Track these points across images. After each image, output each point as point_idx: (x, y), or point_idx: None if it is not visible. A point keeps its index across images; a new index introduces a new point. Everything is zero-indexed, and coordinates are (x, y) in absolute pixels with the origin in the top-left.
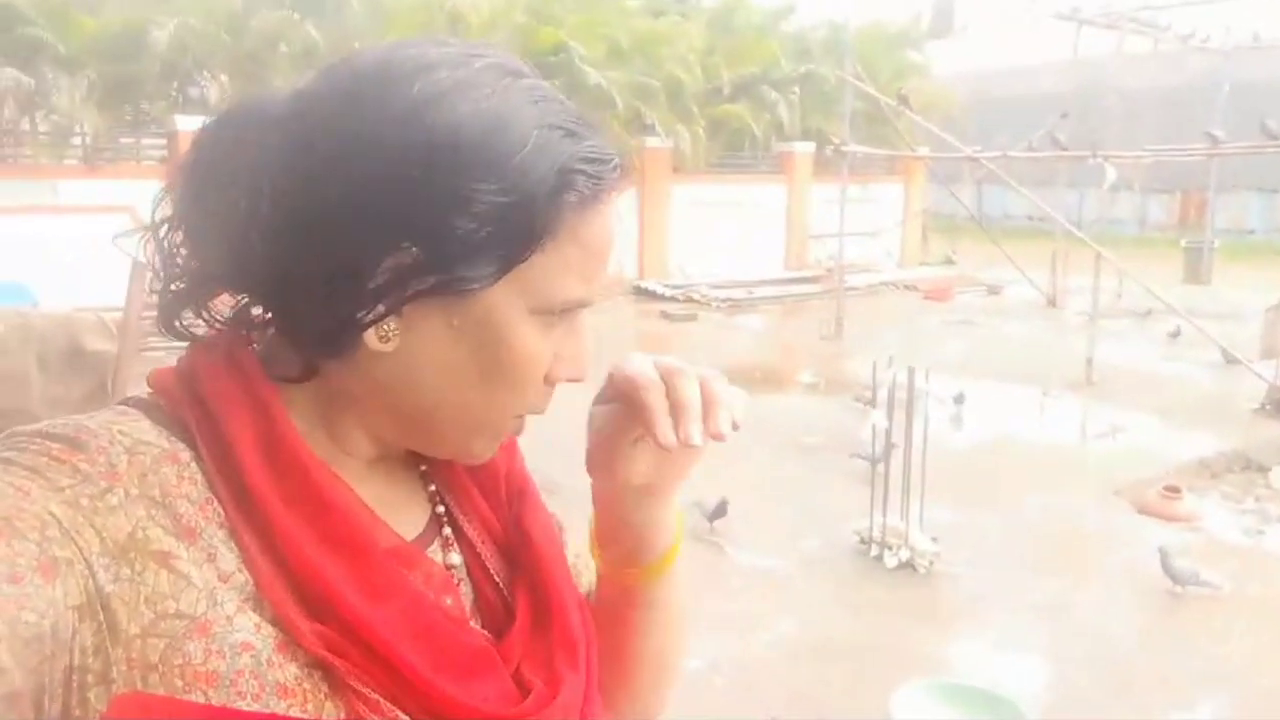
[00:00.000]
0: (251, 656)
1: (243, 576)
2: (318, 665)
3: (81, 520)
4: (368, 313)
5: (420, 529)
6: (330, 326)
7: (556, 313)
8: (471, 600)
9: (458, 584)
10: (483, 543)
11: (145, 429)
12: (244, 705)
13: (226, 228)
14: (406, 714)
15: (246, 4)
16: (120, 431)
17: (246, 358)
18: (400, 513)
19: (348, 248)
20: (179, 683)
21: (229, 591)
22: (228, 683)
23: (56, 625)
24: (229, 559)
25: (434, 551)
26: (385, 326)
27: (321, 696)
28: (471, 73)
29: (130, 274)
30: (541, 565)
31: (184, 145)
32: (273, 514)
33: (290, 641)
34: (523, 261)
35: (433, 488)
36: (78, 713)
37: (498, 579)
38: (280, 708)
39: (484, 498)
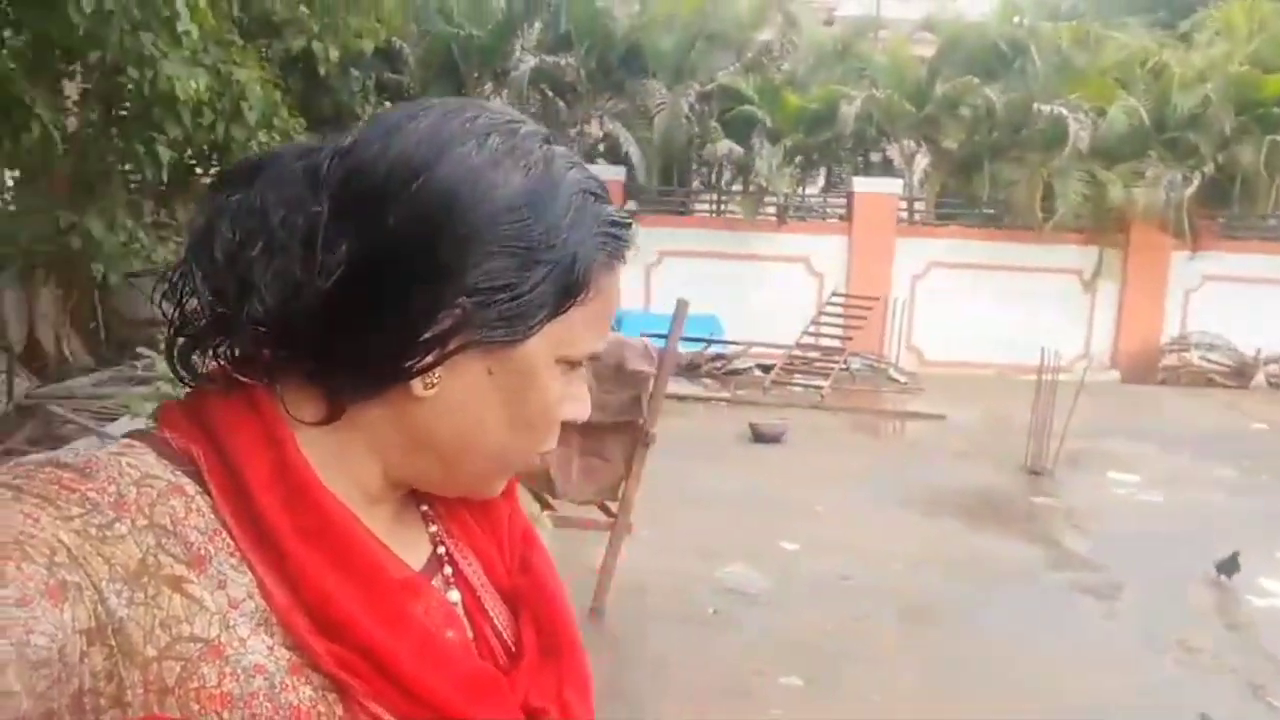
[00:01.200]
0: (265, 679)
1: (253, 603)
2: (331, 688)
3: (90, 549)
4: (416, 362)
5: (422, 565)
6: (378, 374)
7: (575, 362)
8: (470, 639)
9: (460, 619)
10: (482, 585)
11: (151, 463)
12: None
13: (274, 276)
14: None
15: (930, 72)
16: (129, 464)
17: (263, 396)
18: (405, 549)
19: (407, 304)
20: (195, 706)
21: (241, 617)
22: (242, 705)
23: (65, 649)
24: (239, 586)
25: (436, 585)
26: (432, 375)
27: (335, 718)
28: (520, 139)
29: (674, 312)
30: (550, 602)
31: (861, 206)
32: (286, 545)
33: (304, 664)
34: (561, 316)
35: (434, 529)
36: None
37: (496, 620)
38: None
39: (488, 540)
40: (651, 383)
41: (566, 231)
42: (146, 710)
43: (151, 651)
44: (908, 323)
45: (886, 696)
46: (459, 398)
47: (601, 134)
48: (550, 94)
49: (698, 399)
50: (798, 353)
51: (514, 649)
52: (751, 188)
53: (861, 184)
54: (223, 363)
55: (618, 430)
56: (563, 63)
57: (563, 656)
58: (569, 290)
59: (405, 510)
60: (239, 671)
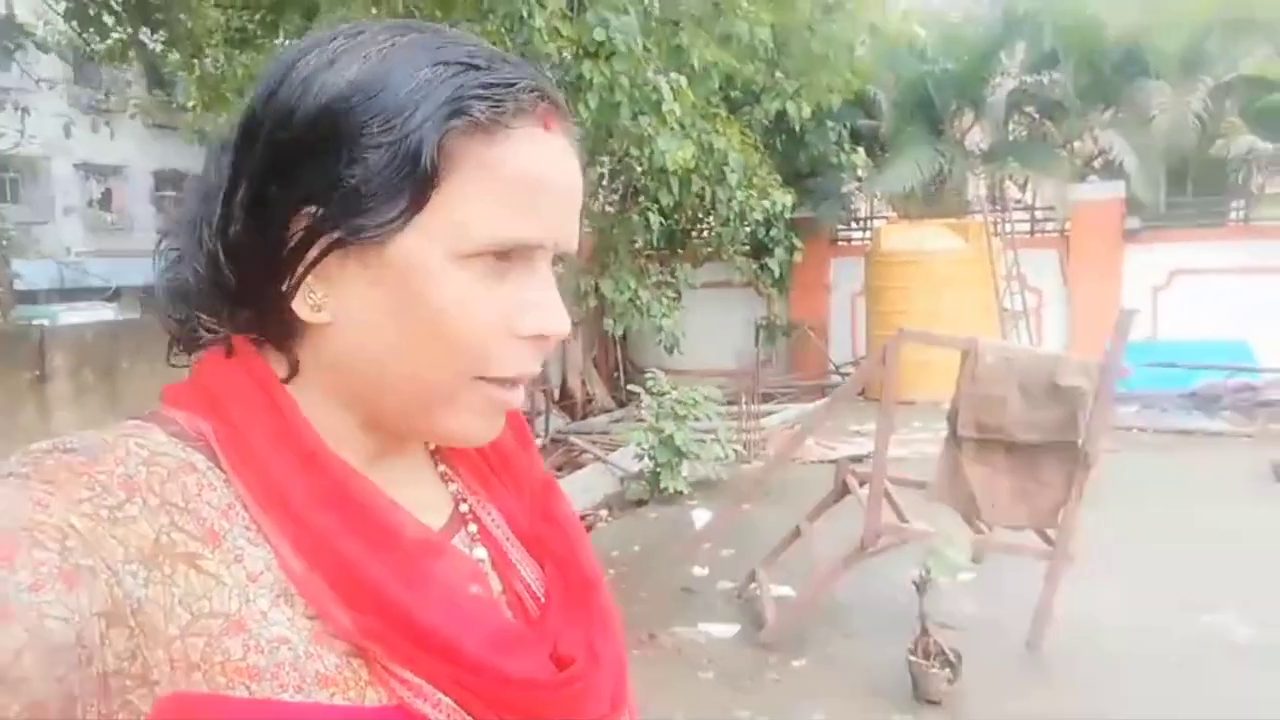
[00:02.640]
0: (289, 649)
1: (272, 575)
2: (355, 654)
3: (101, 531)
4: (289, 281)
5: (443, 524)
6: (271, 305)
7: (490, 256)
8: (498, 593)
9: (485, 575)
10: (507, 538)
11: (160, 440)
12: (287, 697)
13: (199, 230)
14: (449, 697)
15: None
16: (136, 444)
17: (258, 363)
18: (423, 510)
19: (261, 219)
20: (222, 679)
21: (260, 590)
22: (269, 676)
23: (83, 632)
24: (256, 559)
25: (459, 543)
26: (313, 294)
27: (363, 684)
28: (366, 38)
29: (1117, 323)
30: (573, 550)
31: None
32: (302, 512)
33: (326, 633)
34: (422, 204)
35: (453, 487)
36: (121, 716)
37: (524, 572)
38: (323, 697)
39: (510, 493)
40: (1091, 400)
41: (409, 110)
42: (174, 688)
43: (174, 630)
44: None
45: None
46: (356, 317)
47: (1096, 149)
48: (1036, 114)
49: (1208, 434)
50: None
51: (542, 600)
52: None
53: None
54: (210, 331)
55: (1054, 451)
56: (1047, 80)
57: (589, 603)
58: (420, 174)
59: (420, 470)
60: (263, 644)
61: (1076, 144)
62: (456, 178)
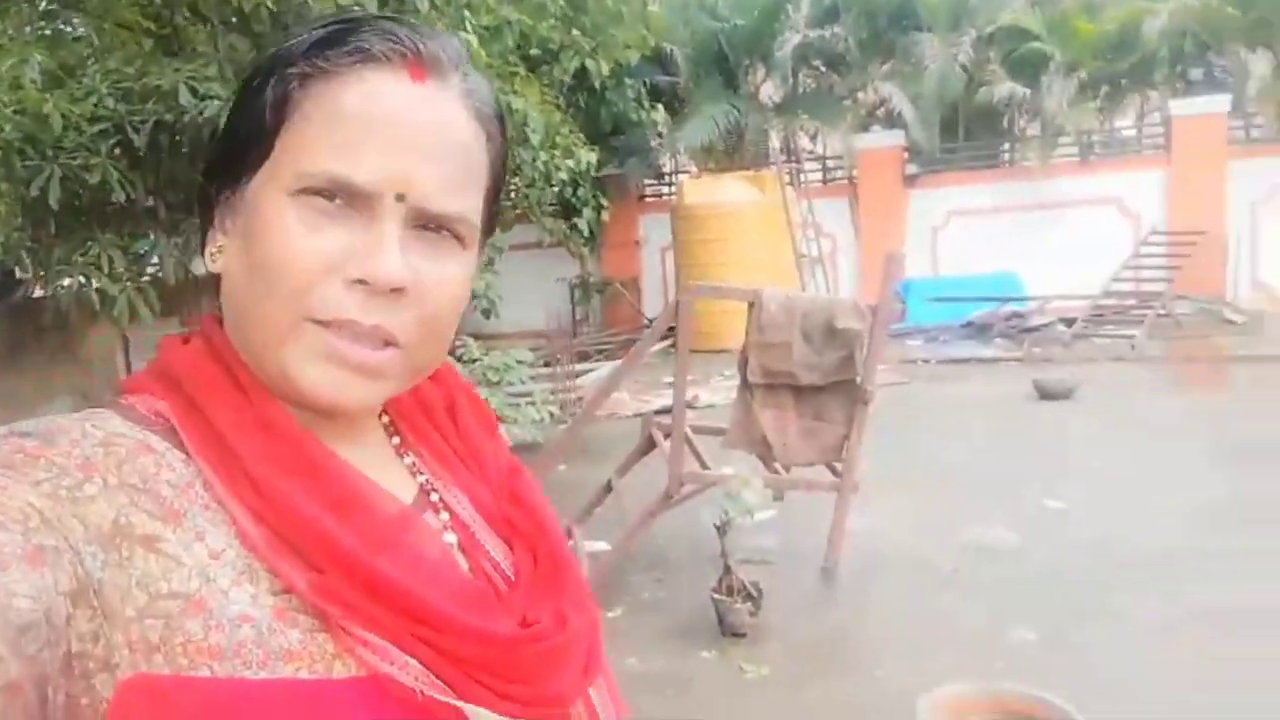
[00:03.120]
0: (252, 627)
1: (233, 552)
2: (319, 628)
3: (62, 510)
4: (203, 230)
5: (409, 502)
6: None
7: (324, 197)
8: (465, 571)
9: (451, 552)
10: (473, 519)
11: (117, 424)
12: (251, 674)
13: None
14: (415, 658)
15: None
16: (91, 427)
17: (220, 337)
18: (386, 484)
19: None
20: (183, 661)
21: (222, 568)
22: (231, 654)
23: (50, 612)
24: (217, 537)
25: (427, 520)
26: (214, 244)
27: (329, 657)
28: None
29: (885, 267)
30: (543, 530)
31: (1181, 131)
32: (263, 481)
33: (289, 608)
34: (268, 148)
35: (421, 478)
36: (84, 700)
37: (492, 553)
38: (288, 672)
39: (475, 477)
40: (866, 340)
41: (272, 68)
42: (134, 670)
43: (131, 612)
44: (1251, 257)
45: (1123, 652)
46: (228, 266)
47: (877, 100)
48: (823, 68)
49: (982, 360)
50: (1107, 301)
51: (512, 579)
52: (1047, 131)
53: (1180, 107)
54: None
55: (835, 390)
56: (829, 34)
57: (559, 579)
58: (265, 119)
59: (384, 458)
60: (224, 623)
61: (860, 95)
62: (297, 122)
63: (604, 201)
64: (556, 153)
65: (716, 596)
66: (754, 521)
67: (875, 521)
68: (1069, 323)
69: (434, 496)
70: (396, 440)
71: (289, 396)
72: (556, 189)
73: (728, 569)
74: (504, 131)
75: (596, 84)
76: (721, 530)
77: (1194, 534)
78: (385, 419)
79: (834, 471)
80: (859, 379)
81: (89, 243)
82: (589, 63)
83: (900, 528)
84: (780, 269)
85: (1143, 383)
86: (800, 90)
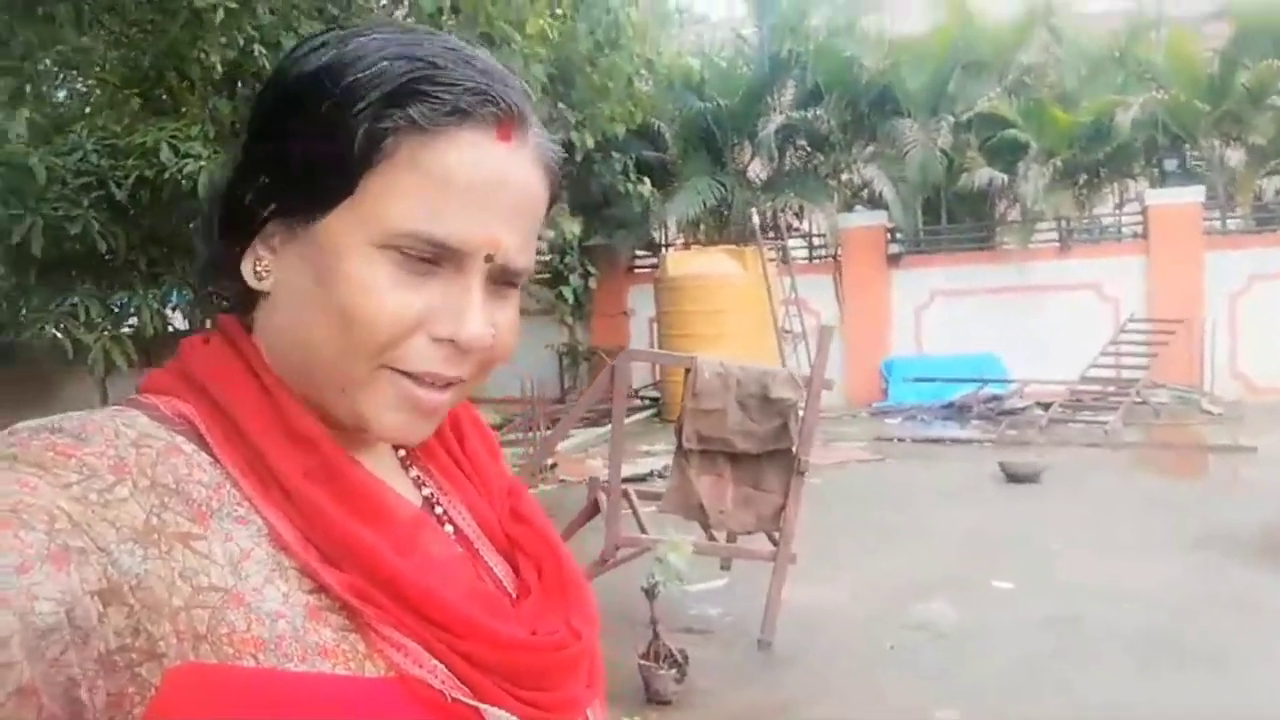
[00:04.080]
0: (287, 623)
1: (263, 552)
2: (350, 628)
3: (92, 515)
4: (240, 244)
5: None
6: (225, 267)
7: (413, 253)
8: (474, 577)
9: (465, 560)
10: (477, 537)
11: (145, 424)
12: (292, 667)
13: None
14: (443, 662)
15: (1225, 64)
16: (124, 425)
17: (245, 343)
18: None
19: (236, 189)
20: (229, 650)
21: (253, 566)
22: (272, 647)
23: (74, 612)
24: (247, 537)
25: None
26: (259, 262)
27: (361, 657)
28: (346, 33)
29: (819, 339)
30: (547, 545)
31: (1158, 220)
32: (292, 487)
33: (320, 607)
34: (350, 188)
35: (426, 490)
36: (131, 689)
37: (496, 572)
38: (325, 667)
39: (481, 498)
40: (800, 410)
41: (357, 99)
42: (183, 659)
43: (178, 601)
44: (1229, 346)
45: None
46: (285, 288)
47: (860, 181)
48: (808, 148)
49: (957, 441)
50: (1084, 387)
51: (514, 597)
52: (1026, 216)
53: (1156, 196)
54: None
55: (772, 459)
56: (812, 115)
57: (567, 592)
58: (354, 160)
59: (390, 472)
60: (263, 616)
61: (844, 176)
62: (387, 170)
63: (591, 270)
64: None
65: (643, 662)
66: (702, 589)
67: (822, 594)
68: (1045, 407)
69: (438, 510)
70: (402, 453)
71: (331, 417)
72: (546, 258)
73: (655, 635)
74: (558, 179)
75: (580, 156)
76: (650, 594)
77: (1146, 618)
78: None
79: (773, 541)
80: (794, 449)
81: (66, 293)
82: (574, 135)
83: (845, 601)
84: (761, 342)
85: (1113, 468)
86: (786, 169)
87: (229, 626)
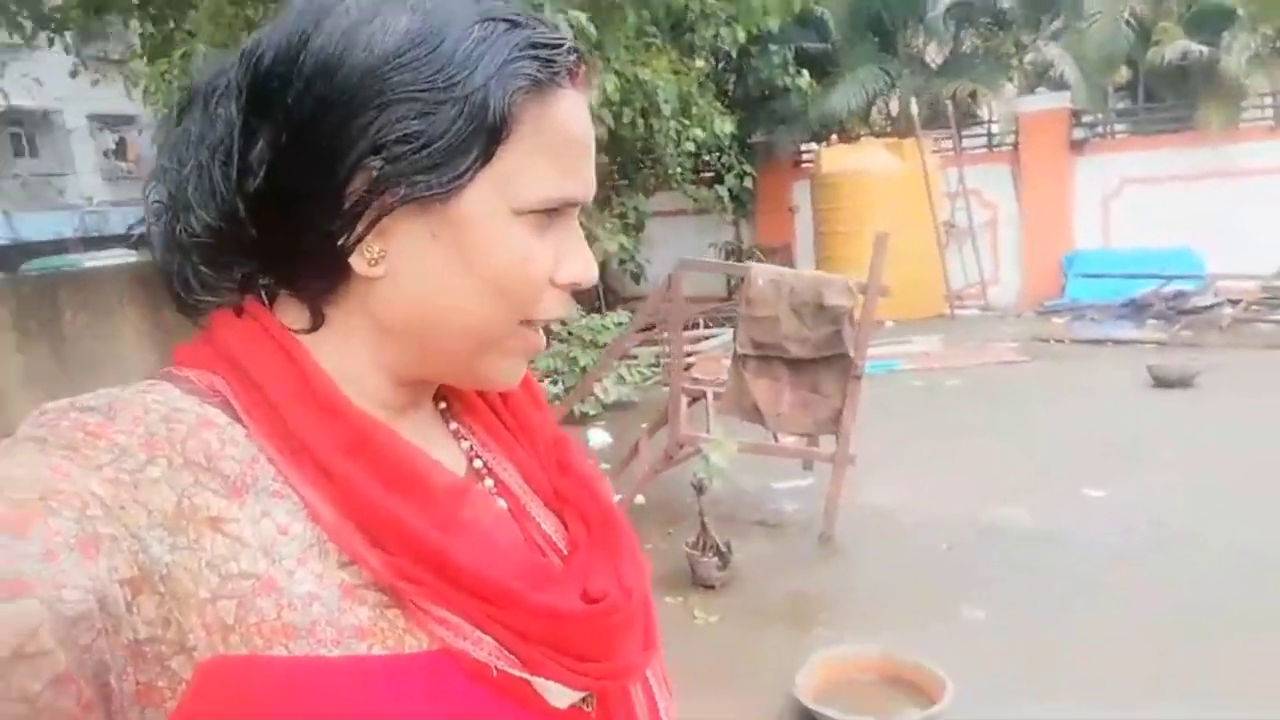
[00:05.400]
0: (321, 605)
1: (300, 527)
2: (388, 604)
3: (126, 496)
4: (348, 236)
5: (460, 472)
6: (318, 260)
7: (544, 212)
8: (520, 543)
9: (509, 520)
10: (524, 491)
11: (177, 397)
12: (325, 652)
13: (210, 182)
14: (488, 635)
15: None
16: (154, 400)
17: (268, 318)
18: (436, 452)
19: (318, 180)
20: (259, 640)
21: (288, 544)
22: (305, 633)
23: (106, 600)
24: (284, 513)
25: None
26: (370, 250)
27: (400, 633)
28: (392, 2)
29: (875, 244)
30: (595, 497)
31: None
32: (329, 461)
33: (357, 585)
34: (489, 159)
35: (466, 444)
36: (161, 683)
37: (543, 524)
38: (361, 649)
39: (523, 448)
40: (853, 316)
41: (472, 66)
42: (212, 652)
43: (205, 594)
44: None
45: (1072, 648)
46: (413, 270)
47: (1044, 62)
48: (986, 27)
49: (1120, 342)
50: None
51: (564, 552)
52: (1232, 93)
53: None
54: (213, 288)
55: (829, 364)
56: None
57: (616, 545)
58: (489, 129)
59: (433, 428)
60: (295, 601)
61: (1028, 57)
62: (516, 136)
63: (748, 168)
64: (687, 121)
65: (689, 550)
66: (786, 487)
67: (901, 494)
68: (1235, 304)
69: (478, 464)
70: (443, 405)
71: (435, 379)
72: (696, 156)
73: (703, 526)
74: None
75: (733, 52)
76: (698, 489)
77: (1251, 535)
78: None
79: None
80: (852, 353)
81: None
82: (723, 30)
83: (925, 502)
84: (919, 238)
85: None
86: (961, 51)
87: (259, 615)
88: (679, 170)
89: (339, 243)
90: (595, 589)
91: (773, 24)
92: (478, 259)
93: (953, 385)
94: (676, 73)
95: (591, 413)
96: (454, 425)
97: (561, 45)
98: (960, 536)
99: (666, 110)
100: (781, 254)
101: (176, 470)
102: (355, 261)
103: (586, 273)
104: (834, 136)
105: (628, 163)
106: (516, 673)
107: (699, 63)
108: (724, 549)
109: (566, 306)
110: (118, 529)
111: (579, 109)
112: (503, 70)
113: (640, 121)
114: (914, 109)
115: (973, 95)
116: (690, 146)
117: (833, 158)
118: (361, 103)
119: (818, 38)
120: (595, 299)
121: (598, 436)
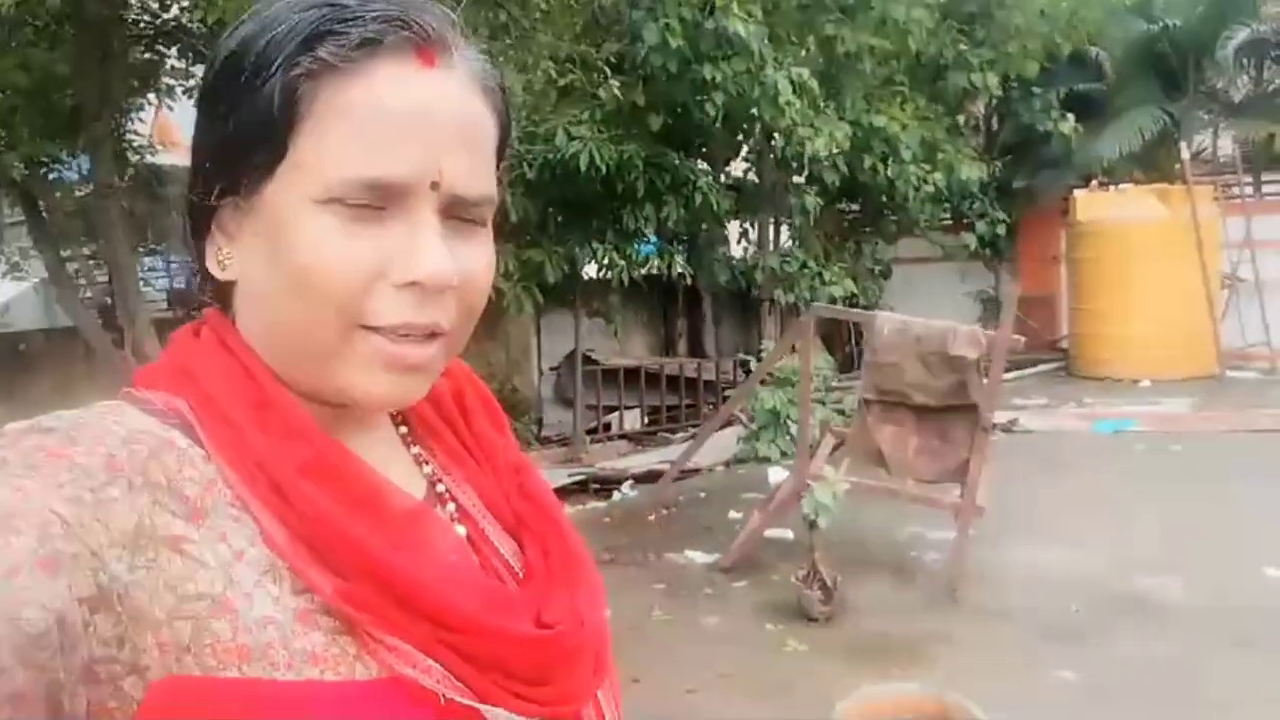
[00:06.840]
0: (275, 629)
1: (256, 551)
2: (341, 630)
3: (86, 515)
4: (198, 239)
5: (420, 498)
6: (200, 264)
7: (359, 202)
8: (475, 567)
9: (466, 546)
10: (482, 516)
11: (137, 419)
12: (279, 675)
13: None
14: (438, 661)
15: None
16: (114, 422)
17: (231, 334)
18: (395, 475)
19: (189, 190)
20: (213, 661)
21: (244, 568)
22: (259, 655)
23: (65, 618)
24: (241, 536)
25: (438, 514)
26: (219, 252)
27: (351, 659)
28: (268, 3)
29: (1007, 298)
30: (553, 524)
31: None
32: (284, 482)
33: (312, 610)
34: (282, 148)
35: (428, 469)
36: (113, 704)
37: (501, 549)
38: (314, 674)
39: (483, 473)
40: (979, 367)
41: (268, 60)
42: (166, 671)
43: (160, 613)
44: None
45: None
46: (248, 272)
47: None
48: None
49: None
50: None
51: (521, 577)
52: None
53: None
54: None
55: (958, 414)
56: None
57: (573, 574)
58: (274, 120)
59: (392, 451)
60: (250, 624)
61: None
62: (311, 121)
63: (1001, 215)
64: (927, 167)
65: (796, 582)
66: (938, 537)
67: (1054, 553)
68: None
69: (440, 488)
70: (404, 430)
71: (320, 396)
72: (938, 202)
73: (813, 561)
74: (506, 103)
75: (989, 98)
76: (810, 525)
77: None
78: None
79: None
80: (979, 405)
81: None
82: (973, 78)
83: (1075, 563)
84: (1186, 292)
85: None
86: (1261, 91)
87: (213, 636)
88: (922, 217)
89: (196, 244)
90: (550, 616)
91: (1030, 70)
92: (280, 254)
93: (1175, 450)
94: (924, 119)
95: (769, 457)
96: (415, 449)
97: (363, 19)
98: (1094, 600)
99: (907, 156)
100: (1045, 305)
101: (137, 490)
102: (209, 264)
103: (428, 269)
104: (1094, 183)
105: (870, 209)
106: (466, 701)
107: (947, 109)
108: (830, 584)
109: (416, 311)
110: (78, 547)
111: (407, 86)
112: (289, 58)
113: (881, 167)
114: (1185, 153)
115: (1271, 138)
116: (929, 190)
117: (1088, 205)
118: (207, 108)
119: (1093, 78)
120: (846, 344)
121: (775, 473)
